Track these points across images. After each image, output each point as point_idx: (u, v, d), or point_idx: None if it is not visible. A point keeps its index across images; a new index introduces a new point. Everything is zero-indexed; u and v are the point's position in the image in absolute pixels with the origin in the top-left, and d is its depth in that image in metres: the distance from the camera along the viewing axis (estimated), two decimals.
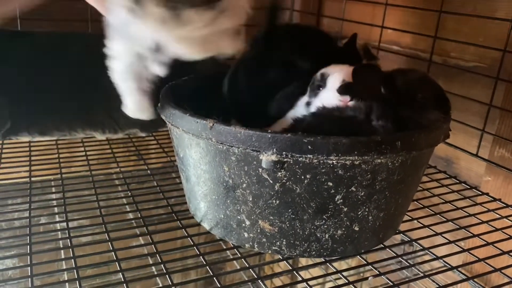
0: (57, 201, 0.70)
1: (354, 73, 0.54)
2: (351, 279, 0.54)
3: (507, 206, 0.72)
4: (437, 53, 0.86)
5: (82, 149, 0.87)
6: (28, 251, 0.55)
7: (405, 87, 0.55)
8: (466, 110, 0.80)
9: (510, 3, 0.73)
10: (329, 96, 0.57)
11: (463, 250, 0.59)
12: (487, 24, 0.77)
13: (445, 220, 0.66)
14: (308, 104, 0.61)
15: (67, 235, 0.59)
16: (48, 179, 0.80)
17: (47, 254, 0.57)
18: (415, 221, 0.66)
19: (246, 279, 0.55)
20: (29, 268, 0.51)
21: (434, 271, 0.56)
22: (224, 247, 0.58)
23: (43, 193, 0.73)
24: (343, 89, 0.55)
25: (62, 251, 0.63)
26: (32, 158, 0.82)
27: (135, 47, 0.51)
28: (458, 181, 0.80)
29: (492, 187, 0.77)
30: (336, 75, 0.58)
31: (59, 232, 0.61)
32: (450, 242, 0.61)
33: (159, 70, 0.52)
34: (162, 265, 0.54)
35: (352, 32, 0.74)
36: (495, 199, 0.74)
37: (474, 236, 0.63)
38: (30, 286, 0.49)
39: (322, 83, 0.59)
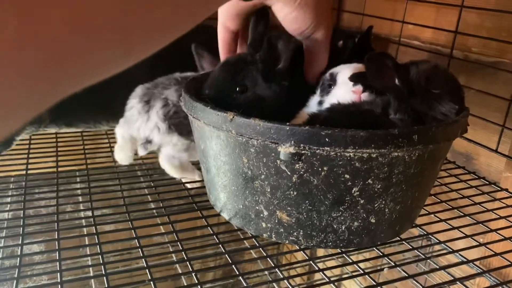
0: (82, 190, 0.73)
1: (367, 60, 0.54)
2: (367, 271, 0.55)
3: None
4: (458, 48, 0.85)
5: (107, 140, 0.90)
6: (56, 237, 0.57)
7: (417, 78, 0.55)
8: (487, 105, 0.80)
9: None
10: (341, 92, 0.58)
11: (480, 245, 0.59)
12: (509, 18, 0.77)
13: (463, 214, 0.67)
14: (320, 102, 0.61)
15: (92, 223, 0.61)
16: (74, 169, 0.83)
17: (73, 241, 0.59)
18: (432, 215, 0.66)
19: (263, 268, 0.56)
20: (57, 252, 0.54)
21: (450, 265, 0.56)
22: (242, 237, 0.60)
23: (69, 183, 0.76)
24: (355, 78, 0.55)
25: (86, 238, 0.66)
26: (59, 149, 0.85)
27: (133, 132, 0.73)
28: (477, 177, 0.80)
29: None
30: (346, 71, 0.59)
31: (83, 220, 0.64)
32: (467, 236, 0.61)
33: (141, 152, 0.72)
34: (183, 252, 0.55)
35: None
36: None
37: (491, 231, 0.63)
38: (58, 269, 0.51)
39: (332, 82, 0.60)
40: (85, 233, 0.64)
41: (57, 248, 0.55)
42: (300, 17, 0.51)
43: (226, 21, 0.60)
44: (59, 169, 0.78)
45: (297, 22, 0.52)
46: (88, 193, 0.70)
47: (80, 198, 0.74)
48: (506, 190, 0.75)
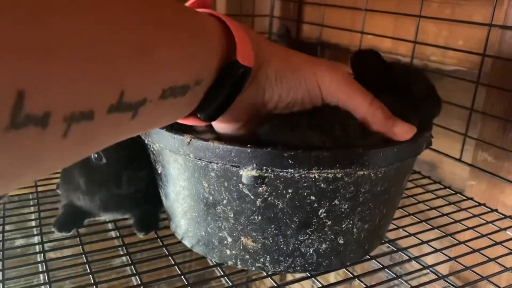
0: (34, 215, 0.68)
1: (353, 59, 0.51)
2: None
3: (492, 210, 0.71)
4: (418, 57, 0.86)
5: None
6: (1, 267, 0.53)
7: (401, 80, 0.52)
8: (448, 114, 0.80)
9: (486, 8, 0.73)
10: None
11: (450, 259, 0.58)
12: (466, 28, 0.77)
13: (431, 227, 0.66)
14: None
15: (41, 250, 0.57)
16: (23, 193, 0.77)
17: (25, 269, 0.55)
18: (401, 230, 0.65)
19: None
20: (0, 284, 0.50)
21: (422, 282, 0.55)
22: (211, 264, 0.56)
23: (19, 207, 0.71)
24: None
25: (39, 265, 0.61)
26: None
27: None
28: (443, 186, 0.80)
29: (476, 191, 0.77)
30: None
31: (37, 250, 0.59)
32: (436, 250, 0.60)
33: None
34: (142, 287, 0.52)
35: (332, 38, 0.74)
36: (479, 204, 0.74)
37: (460, 243, 0.62)
38: None
39: None
40: (38, 260, 0.60)
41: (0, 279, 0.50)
42: None
43: None
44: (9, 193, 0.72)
45: None
46: (38, 217, 0.65)
47: (32, 223, 0.68)
48: (472, 199, 0.75)
